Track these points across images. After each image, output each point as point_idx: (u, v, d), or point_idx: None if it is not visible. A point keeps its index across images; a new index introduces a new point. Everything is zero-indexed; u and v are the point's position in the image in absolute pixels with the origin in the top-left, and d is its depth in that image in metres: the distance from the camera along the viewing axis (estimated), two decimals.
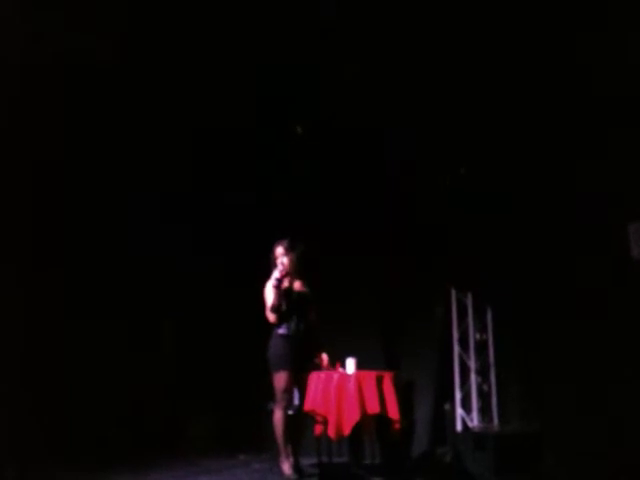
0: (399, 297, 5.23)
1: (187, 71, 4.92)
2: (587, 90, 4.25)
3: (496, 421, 4.80)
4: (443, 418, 4.92)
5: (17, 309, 4.96)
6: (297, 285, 4.39)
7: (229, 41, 4.67)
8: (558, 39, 4.23)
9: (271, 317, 4.23)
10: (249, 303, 4.56)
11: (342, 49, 4.66)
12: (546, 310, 4.48)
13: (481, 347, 4.98)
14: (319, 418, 4.16)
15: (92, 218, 5.59)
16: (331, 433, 3.96)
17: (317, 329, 4.42)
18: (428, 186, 5.08)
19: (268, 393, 4.31)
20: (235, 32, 4.59)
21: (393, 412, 4.10)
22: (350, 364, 4.16)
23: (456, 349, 4.98)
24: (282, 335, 4.24)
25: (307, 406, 4.16)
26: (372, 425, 4.38)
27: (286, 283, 4.32)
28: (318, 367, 4.34)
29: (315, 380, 4.17)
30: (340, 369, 4.35)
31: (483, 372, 4.93)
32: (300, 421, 4.34)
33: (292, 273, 4.34)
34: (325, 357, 4.40)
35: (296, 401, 4.31)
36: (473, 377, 4.88)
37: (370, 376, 4.10)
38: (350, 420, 3.94)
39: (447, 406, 4.92)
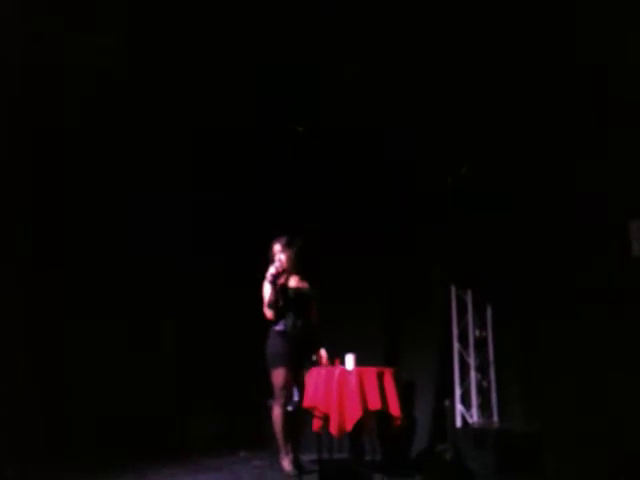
0: (399, 296, 5.23)
1: (187, 71, 4.91)
2: (587, 90, 4.25)
3: (496, 418, 4.82)
4: (443, 415, 4.93)
5: (17, 309, 4.96)
6: (295, 282, 4.41)
7: (229, 41, 4.67)
8: (558, 39, 4.23)
9: (268, 313, 4.25)
10: (249, 303, 4.57)
11: (342, 49, 4.65)
12: (546, 308, 4.49)
13: (481, 344, 4.99)
14: (320, 414, 4.15)
15: (92, 218, 5.59)
16: (333, 429, 3.95)
17: (317, 326, 4.43)
18: (428, 186, 5.09)
19: (268, 390, 4.32)
20: (235, 32, 4.58)
21: (394, 408, 4.10)
22: (349, 360, 4.16)
23: (456, 346, 5.00)
24: (279, 332, 4.26)
25: (307, 402, 4.16)
26: (373, 421, 4.38)
27: (283, 279, 4.32)
28: (315, 363, 4.35)
29: (315, 376, 4.17)
30: (339, 366, 4.35)
31: (483, 369, 4.95)
32: (299, 417, 4.34)
33: (290, 270, 4.35)
34: (324, 353, 4.40)
35: (296, 397, 4.32)
36: (473, 374, 4.90)
37: (371, 372, 4.10)
38: (352, 416, 3.94)
39: (447, 403, 4.93)
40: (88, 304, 5.53)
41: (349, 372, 4.10)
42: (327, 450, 4.30)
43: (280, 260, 4.29)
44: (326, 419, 4.08)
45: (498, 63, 4.47)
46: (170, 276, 5.98)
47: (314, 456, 4.46)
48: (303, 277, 4.46)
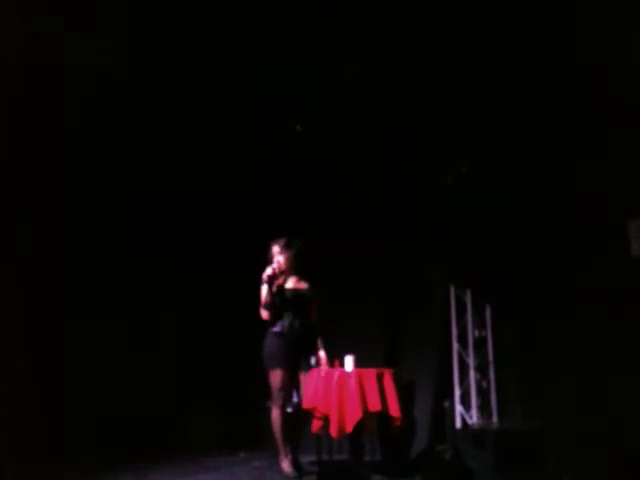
0: (398, 296, 5.23)
1: (187, 71, 4.91)
2: (587, 90, 4.25)
3: (495, 418, 4.81)
4: (442, 415, 4.92)
5: (17, 309, 4.96)
6: (294, 283, 4.40)
7: (229, 41, 4.67)
8: (558, 39, 4.23)
9: (264, 314, 4.26)
10: (249, 303, 4.57)
11: (342, 49, 4.65)
12: (545, 308, 4.49)
13: (480, 344, 4.99)
14: (319, 416, 4.15)
15: (92, 218, 5.59)
16: (333, 431, 3.95)
17: (317, 327, 4.42)
18: (428, 186, 5.09)
19: (267, 391, 4.32)
20: (235, 32, 4.58)
21: (394, 409, 4.10)
22: (348, 361, 4.15)
23: (455, 346, 4.99)
24: (276, 333, 4.27)
25: (307, 404, 4.16)
26: (373, 423, 4.37)
27: (281, 281, 4.32)
28: (315, 366, 4.33)
29: (315, 378, 4.17)
30: (339, 367, 4.34)
31: (482, 369, 4.94)
32: (299, 419, 4.34)
33: (288, 271, 4.35)
34: (323, 356, 4.40)
35: (295, 399, 4.31)
36: (472, 374, 4.89)
37: (371, 373, 4.10)
38: (352, 418, 3.94)
39: (446, 403, 4.93)
40: (88, 304, 5.53)
41: (348, 374, 4.09)
42: (327, 451, 4.30)
43: (278, 261, 4.29)
44: (326, 420, 4.08)
45: (498, 63, 4.47)
46: (170, 276, 5.98)
47: (313, 457, 4.46)
48: (302, 278, 4.46)
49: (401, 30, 4.49)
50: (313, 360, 4.33)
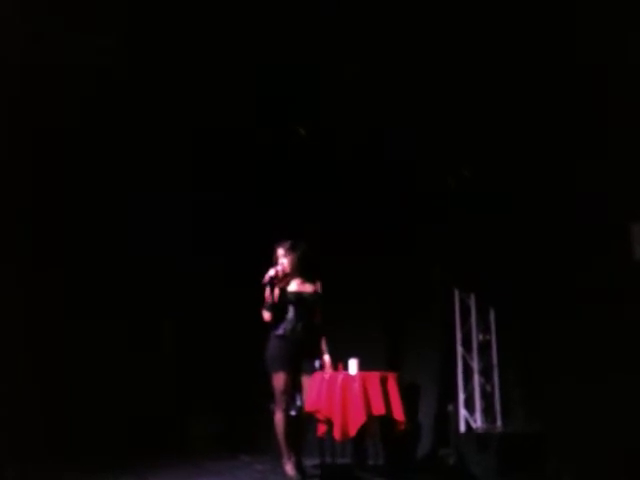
0: (400, 296, 5.23)
1: (187, 71, 4.91)
2: (587, 90, 4.25)
3: (499, 422, 4.80)
4: (446, 419, 4.90)
5: (17, 309, 4.96)
6: (297, 285, 4.37)
7: (229, 41, 4.67)
8: (558, 39, 4.23)
9: (265, 315, 4.24)
10: (249, 303, 4.56)
11: (342, 49, 4.65)
12: (549, 311, 4.48)
13: (484, 348, 4.97)
14: (323, 419, 4.14)
15: (92, 218, 5.59)
16: (337, 435, 3.93)
17: (322, 329, 4.40)
18: (428, 186, 5.08)
19: (268, 391, 4.31)
20: (235, 32, 4.58)
21: (398, 413, 4.08)
22: (352, 365, 4.14)
23: (459, 350, 4.96)
24: (278, 336, 4.25)
25: (310, 407, 4.14)
26: (376, 426, 4.36)
27: (284, 283, 4.31)
28: (317, 368, 4.32)
29: (319, 381, 4.15)
30: (342, 371, 4.33)
31: (486, 373, 4.92)
32: (302, 422, 4.34)
33: (292, 273, 4.33)
34: (327, 359, 4.39)
35: (298, 402, 4.30)
36: (476, 378, 4.87)
37: (374, 377, 4.08)
38: (356, 421, 3.91)
39: (450, 407, 4.91)
40: (88, 304, 5.54)
41: (352, 377, 4.08)
42: (330, 455, 4.28)
43: (282, 264, 4.29)
44: (329, 424, 4.07)
45: (497, 62, 4.47)
46: (170, 276, 5.98)
47: (317, 461, 4.45)
48: (307, 281, 4.43)
49: (402, 30, 4.48)
50: (317, 363, 4.32)
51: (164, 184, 5.75)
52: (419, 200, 5.13)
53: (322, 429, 4.19)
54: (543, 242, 4.58)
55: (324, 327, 4.42)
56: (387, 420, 4.15)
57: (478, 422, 4.78)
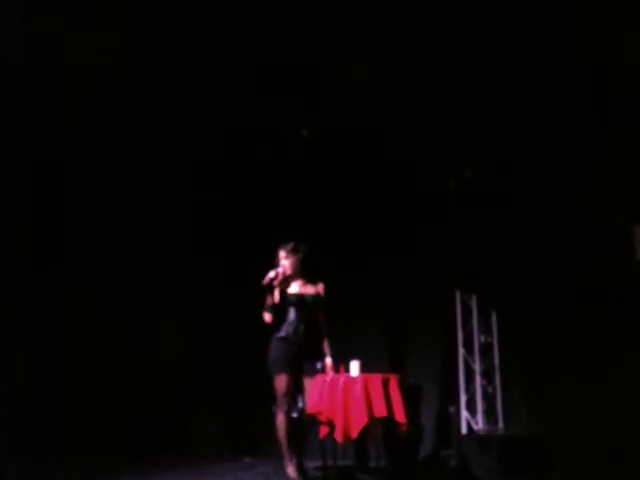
0: (402, 299, 5.22)
1: (187, 71, 4.91)
2: (587, 90, 4.25)
3: (501, 424, 4.79)
4: (448, 421, 4.89)
5: (17, 309, 4.96)
6: (299, 287, 4.36)
7: (229, 41, 4.67)
8: (558, 39, 4.23)
9: (265, 317, 4.24)
10: (250, 303, 4.55)
11: (342, 49, 4.65)
12: (551, 312, 4.47)
13: (486, 349, 4.96)
14: (325, 421, 4.13)
15: (92, 218, 5.60)
16: (338, 437, 3.92)
17: (324, 332, 4.39)
18: (428, 186, 5.08)
19: (269, 392, 4.31)
20: (235, 32, 4.58)
21: (399, 415, 4.08)
22: (354, 367, 4.14)
23: (461, 351, 4.95)
24: (280, 338, 4.25)
25: (312, 409, 4.13)
26: (378, 428, 4.35)
27: (285, 285, 4.30)
28: (319, 370, 4.31)
29: (320, 383, 4.14)
30: (344, 372, 4.33)
31: (488, 374, 4.91)
32: (304, 424, 4.33)
33: (294, 276, 4.33)
34: (329, 361, 4.38)
35: (300, 404, 4.30)
36: (478, 380, 4.86)
37: (376, 379, 4.07)
38: (357, 423, 3.90)
39: (452, 409, 4.90)
40: (88, 304, 5.54)
41: (354, 379, 4.07)
42: (331, 457, 4.28)
43: (283, 266, 4.28)
44: (331, 426, 4.06)
45: (498, 62, 4.47)
46: (170, 276, 5.98)
47: (318, 463, 4.43)
48: (309, 282, 4.42)
49: (402, 30, 4.48)
50: (319, 365, 4.31)
51: (164, 184, 5.76)
52: (419, 200, 5.12)
53: (324, 431, 4.18)
54: (543, 242, 4.57)
55: (327, 329, 4.41)
56: (389, 422, 4.13)
57: (480, 424, 4.77)
